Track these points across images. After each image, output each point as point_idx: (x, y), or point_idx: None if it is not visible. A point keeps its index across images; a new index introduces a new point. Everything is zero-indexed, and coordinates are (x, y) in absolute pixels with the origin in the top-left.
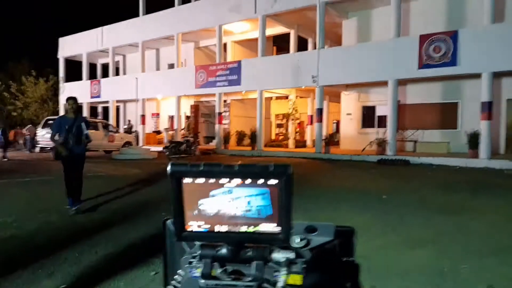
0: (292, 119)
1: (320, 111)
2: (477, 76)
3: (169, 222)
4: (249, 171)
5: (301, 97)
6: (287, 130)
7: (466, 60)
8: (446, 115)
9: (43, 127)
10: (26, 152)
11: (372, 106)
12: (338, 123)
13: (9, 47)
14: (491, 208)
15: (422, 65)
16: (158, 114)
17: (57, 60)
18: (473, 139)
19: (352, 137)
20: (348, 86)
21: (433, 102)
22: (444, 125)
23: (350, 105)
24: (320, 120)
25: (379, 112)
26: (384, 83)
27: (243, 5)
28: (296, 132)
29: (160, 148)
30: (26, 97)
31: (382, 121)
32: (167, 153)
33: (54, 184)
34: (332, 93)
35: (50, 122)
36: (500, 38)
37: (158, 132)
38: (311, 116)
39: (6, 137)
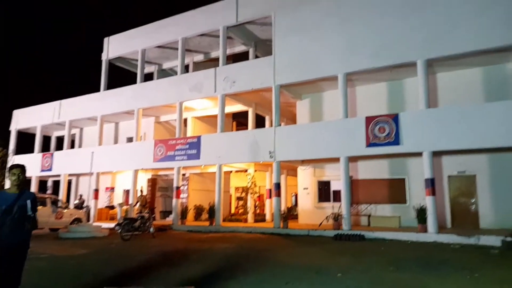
0: (251, 193)
1: (277, 185)
2: (419, 154)
3: None
4: None
5: (260, 171)
6: (246, 204)
7: (408, 140)
8: (395, 190)
9: None
10: None
11: (327, 181)
12: (296, 196)
13: None
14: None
15: (369, 144)
16: (113, 188)
17: (8, 132)
18: (421, 214)
19: (310, 211)
20: (304, 162)
21: (383, 178)
22: (394, 200)
23: (306, 180)
24: (278, 194)
25: (334, 187)
26: (337, 159)
27: (204, 85)
28: (255, 206)
29: (113, 225)
30: None
31: (337, 196)
32: (120, 230)
33: None
34: (290, 168)
35: None
36: (435, 121)
37: (112, 207)
38: (270, 190)
39: None
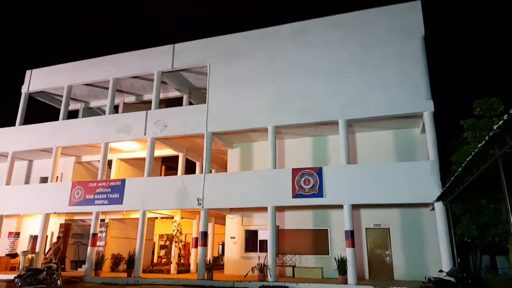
0: (176, 242)
1: (204, 234)
2: (341, 206)
3: None
4: None
5: (186, 218)
6: (170, 253)
7: (330, 192)
8: (319, 241)
9: None
10: None
11: (255, 230)
12: (223, 245)
13: None
14: None
15: (295, 195)
16: (18, 234)
17: None
18: (342, 265)
19: (236, 261)
20: (232, 210)
21: (308, 228)
22: (318, 250)
23: (234, 229)
24: (204, 243)
25: (261, 236)
26: (265, 209)
27: (133, 127)
28: (179, 256)
29: (12, 276)
30: None
31: (263, 246)
32: (19, 284)
33: None
34: (218, 216)
35: None
36: (353, 176)
37: (14, 256)
38: (196, 238)
39: None
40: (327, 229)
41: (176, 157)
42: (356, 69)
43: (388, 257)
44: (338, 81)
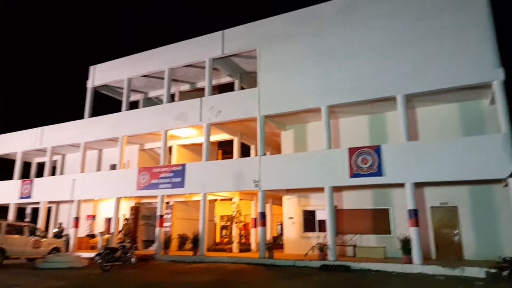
0: (236, 222)
1: (262, 215)
2: (402, 185)
3: None
4: None
5: (245, 200)
6: (231, 233)
7: (390, 171)
8: (380, 220)
9: None
10: None
11: (312, 211)
12: (282, 225)
13: None
14: None
15: (352, 174)
16: (94, 217)
17: None
18: (405, 245)
19: (295, 240)
20: (289, 191)
21: (367, 208)
22: (379, 230)
23: (291, 209)
24: (263, 223)
25: (319, 216)
26: (321, 189)
27: (189, 114)
28: (240, 236)
29: (93, 254)
30: None
31: (322, 226)
32: (100, 261)
33: None
34: (275, 197)
35: None
36: (415, 153)
37: (92, 236)
38: (255, 219)
39: None
40: (388, 209)
41: (231, 141)
42: (413, 41)
43: (457, 236)
44: (393, 54)
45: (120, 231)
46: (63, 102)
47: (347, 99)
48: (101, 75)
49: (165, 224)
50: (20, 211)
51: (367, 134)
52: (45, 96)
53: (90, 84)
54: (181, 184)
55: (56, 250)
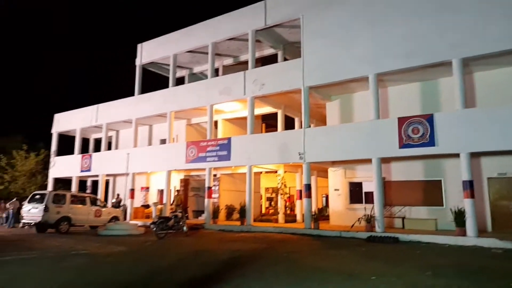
0: (281, 194)
1: (308, 186)
2: (456, 155)
3: None
4: None
5: (289, 172)
6: (276, 204)
7: (444, 141)
8: (431, 192)
9: (30, 201)
10: (6, 227)
11: (359, 182)
12: (327, 197)
13: (3, 123)
14: None
15: (402, 145)
16: (147, 188)
17: (50, 135)
18: (459, 217)
19: (341, 212)
20: (334, 163)
21: (418, 180)
22: (430, 202)
23: (337, 181)
24: (308, 195)
25: (366, 188)
26: (368, 161)
27: (233, 88)
28: (286, 207)
29: (148, 223)
30: (15, 171)
31: (369, 197)
32: (155, 229)
33: (35, 263)
34: (320, 169)
35: (37, 196)
36: (473, 121)
37: (147, 206)
38: (300, 191)
39: None
40: (441, 180)
41: (275, 114)
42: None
43: None
44: (448, 16)
45: (172, 202)
46: (116, 80)
47: (398, 66)
48: (148, 52)
49: (213, 195)
50: (82, 183)
51: (418, 102)
52: (100, 74)
53: (139, 62)
54: (227, 157)
55: (115, 218)
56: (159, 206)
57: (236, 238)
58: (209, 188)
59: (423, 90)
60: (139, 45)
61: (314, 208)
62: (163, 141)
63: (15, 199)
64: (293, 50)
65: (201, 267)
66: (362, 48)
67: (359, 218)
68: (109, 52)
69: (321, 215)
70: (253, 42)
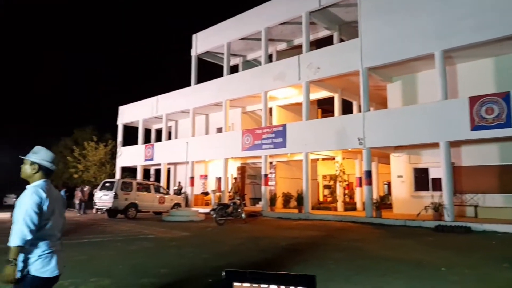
0: (340, 181)
1: (368, 173)
2: None
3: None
4: (284, 279)
5: (348, 159)
6: (335, 192)
7: None
8: (508, 178)
9: (101, 189)
10: (78, 214)
11: (425, 168)
12: (389, 185)
13: (76, 117)
14: None
15: (474, 127)
16: (206, 176)
17: (116, 126)
18: None
19: (405, 200)
20: (397, 148)
21: (492, 164)
22: (507, 189)
23: (400, 167)
24: (369, 182)
25: (432, 174)
26: (435, 145)
27: (287, 73)
28: (345, 195)
29: (207, 210)
30: (87, 161)
31: (436, 184)
32: (214, 215)
33: (108, 245)
34: (381, 155)
35: (107, 184)
36: None
37: (206, 194)
38: (360, 178)
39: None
40: None
41: (331, 99)
42: None
43: None
44: None
45: (230, 190)
46: (172, 71)
47: (468, 40)
48: (202, 42)
49: (269, 183)
50: (145, 171)
51: (491, 80)
52: (158, 67)
53: (194, 52)
54: (282, 144)
55: (177, 205)
56: (218, 194)
57: (294, 225)
58: (266, 175)
59: (497, 66)
60: (194, 36)
61: (375, 196)
62: (219, 130)
63: (87, 187)
64: (349, 30)
65: (261, 253)
66: (426, 23)
67: (425, 206)
68: (164, 44)
69: (383, 203)
70: (307, 24)
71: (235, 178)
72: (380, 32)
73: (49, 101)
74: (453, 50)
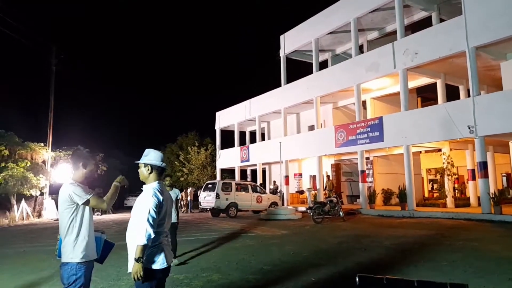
0: (448, 175)
1: (483, 164)
2: None
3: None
4: None
5: (456, 149)
6: (443, 187)
7: None
8: None
9: (204, 190)
10: (185, 213)
11: None
12: (508, 177)
13: (179, 125)
14: None
15: None
16: (300, 174)
17: (214, 131)
18: None
19: None
20: None
21: None
22: None
23: None
24: (484, 175)
25: None
26: None
27: (381, 63)
28: (454, 189)
29: (303, 208)
30: (191, 164)
31: None
32: (312, 214)
33: (214, 242)
34: (497, 143)
35: (210, 185)
36: None
37: (301, 192)
38: (473, 170)
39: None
40: None
41: (432, 85)
42: None
43: None
44: None
45: (325, 188)
46: (262, 74)
47: None
48: (290, 41)
49: (367, 179)
50: (242, 172)
51: None
52: (250, 71)
53: (282, 52)
54: (379, 138)
55: (274, 204)
56: (313, 192)
57: (397, 223)
58: (363, 172)
59: None
60: (281, 36)
61: (492, 190)
62: (311, 127)
63: (191, 188)
64: (449, 8)
65: (364, 252)
66: None
67: None
68: (253, 49)
69: (503, 197)
70: (400, 8)
71: (328, 176)
72: (488, 5)
73: (153, 110)
74: None
